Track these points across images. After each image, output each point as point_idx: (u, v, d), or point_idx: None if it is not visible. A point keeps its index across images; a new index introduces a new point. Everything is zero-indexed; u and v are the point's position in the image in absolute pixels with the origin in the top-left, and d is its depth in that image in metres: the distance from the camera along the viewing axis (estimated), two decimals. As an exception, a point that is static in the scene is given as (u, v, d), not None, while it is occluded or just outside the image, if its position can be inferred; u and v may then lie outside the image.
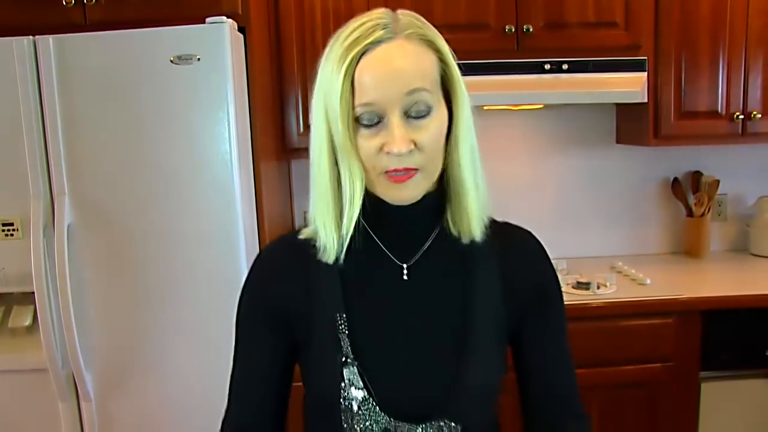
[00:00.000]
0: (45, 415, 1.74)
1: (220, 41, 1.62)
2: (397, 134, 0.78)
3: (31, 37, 1.62)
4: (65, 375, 1.71)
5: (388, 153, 0.79)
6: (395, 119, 0.78)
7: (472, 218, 0.87)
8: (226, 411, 0.96)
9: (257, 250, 1.83)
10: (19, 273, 1.69)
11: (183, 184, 1.66)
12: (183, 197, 1.66)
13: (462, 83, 0.84)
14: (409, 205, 0.84)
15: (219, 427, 0.97)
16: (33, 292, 1.66)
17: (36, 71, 1.63)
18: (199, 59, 1.61)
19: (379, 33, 0.78)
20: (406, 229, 0.89)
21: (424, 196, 0.84)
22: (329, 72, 0.80)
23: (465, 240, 0.88)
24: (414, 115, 0.79)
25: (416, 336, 0.87)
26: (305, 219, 2.59)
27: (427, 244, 0.89)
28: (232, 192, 1.66)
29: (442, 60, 0.82)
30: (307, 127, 2.06)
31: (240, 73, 1.73)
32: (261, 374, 0.93)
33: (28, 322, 1.72)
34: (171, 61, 1.62)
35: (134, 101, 1.63)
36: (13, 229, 1.69)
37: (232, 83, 1.64)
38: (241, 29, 1.76)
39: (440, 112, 0.82)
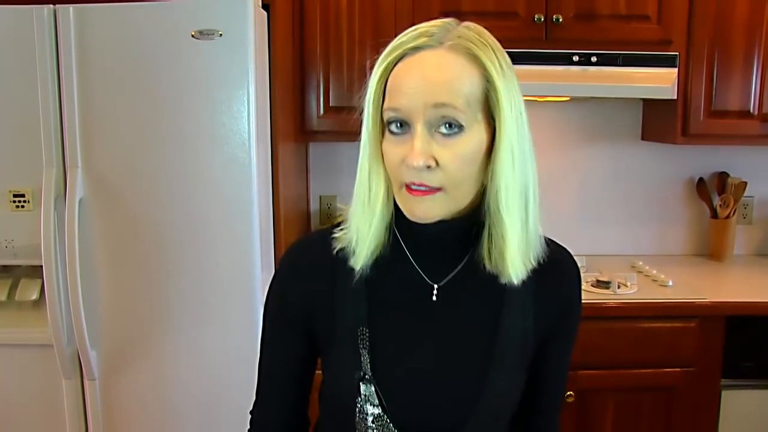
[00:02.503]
0: (48, 392, 1.71)
1: (243, 17, 1.57)
2: (416, 146, 0.73)
3: (51, 6, 1.59)
4: (70, 352, 1.67)
5: (407, 165, 0.75)
6: (418, 130, 0.74)
7: (511, 259, 0.79)
8: (254, 404, 0.97)
9: (271, 232, 1.79)
10: (28, 246, 1.66)
11: (199, 162, 1.61)
12: (199, 175, 1.62)
13: (511, 106, 0.76)
14: (434, 225, 0.78)
15: (225, 413, 0.97)
16: (41, 266, 1.62)
17: (55, 41, 1.59)
18: (221, 35, 1.57)
19: (422, 40, 0.75)
20: (436, 249, 0.85)
21: (453, 219, 0.79)
22: (372, 73, 0.78)
23: (502, 280, 0.81)
24: (443, 131, 0.74)
25: (438, 358, 0.85)
26: (320, 202, 2.54)
27: (459, 266, 0.85)
28: (249, 171, 1.62)
29: (487, 79, 0.75)
30: (327, 109, 2.02)
31: (262, 51, 1.69)
32: (284, 373, 0.94)
33: (35, 296, 1.69)
34: (192, 36, 1.58)
35: (153, 75, 1.59)
36: (24, 201, 1.65)
37: (253, 61, 1.60)
38: (264, 6, 1.72)
39: (474, 134, 0.75)
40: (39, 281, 1.69)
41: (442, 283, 0.85)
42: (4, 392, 1.73)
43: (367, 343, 0.84)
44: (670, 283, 2.00)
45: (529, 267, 0.82)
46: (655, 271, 2.11)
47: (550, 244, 0.88)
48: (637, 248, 2.43)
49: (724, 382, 1.92)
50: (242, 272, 1.65)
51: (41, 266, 1.63)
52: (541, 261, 0.84)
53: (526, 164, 0.79)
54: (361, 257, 0.83)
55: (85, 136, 1.61)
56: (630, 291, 1.94)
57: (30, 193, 1.65)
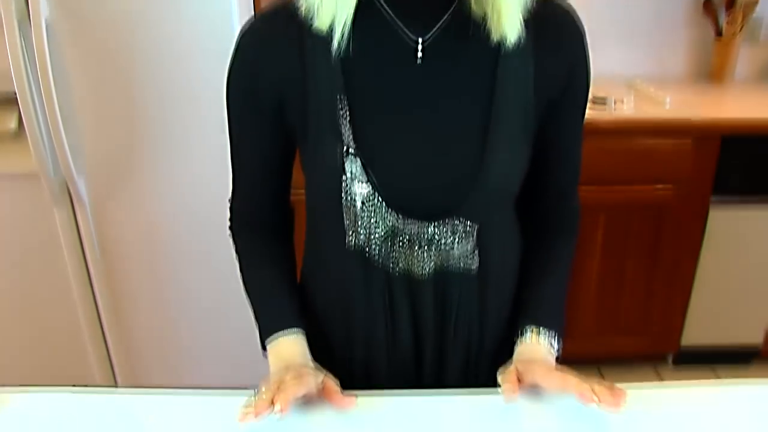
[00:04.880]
0: (41, 221, 1.72)
1: None
2: None
3: None
4: (57, 180, 1.65)
5: None
6: None
7: (506, 9, 0.71)
8: (232, 194, 0.92)
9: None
10: (-3, 71, 1.58)
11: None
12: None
13: None
14: None
15: (219, 226, 0.93)
16: (15, 96, 1.55)
17: None
18: None
19: None
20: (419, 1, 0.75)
21: None
22: None
23: (495, 37, 0.73)
24: None
25: (431, 125, 0.77)
26: None
27: (444, 18, 0.75)
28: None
29: None
30: None
31: None
32: (257, 162, 0.87)
33: (13, 125, 1.64)
34: None
35: None
36: (-15, 25, 1.55)
37: None
38: None
39: None
40: (15, 111, 1.63)
41: (426, 40, 0.76)
42: (-2, 223, 1.74)
43: (347, 113, 0.76)
44: (668, 102, 1.95)
45: (525, 16, 0.74)
46: (652, 90, 2.05)
47: (549, 1, 0.79)
48: (636, 69, 2.33)
49: (713, 199, 1.94)
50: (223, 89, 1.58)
51: (15, 96, 1.55)
52: (539, 18, 0.76)
53: None
54: (327, 15, 0.73)
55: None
56: (626, 108, 1.89)
57: (-11, 14, 1.54)
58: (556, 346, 0.87)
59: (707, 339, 2.13)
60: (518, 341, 0.87)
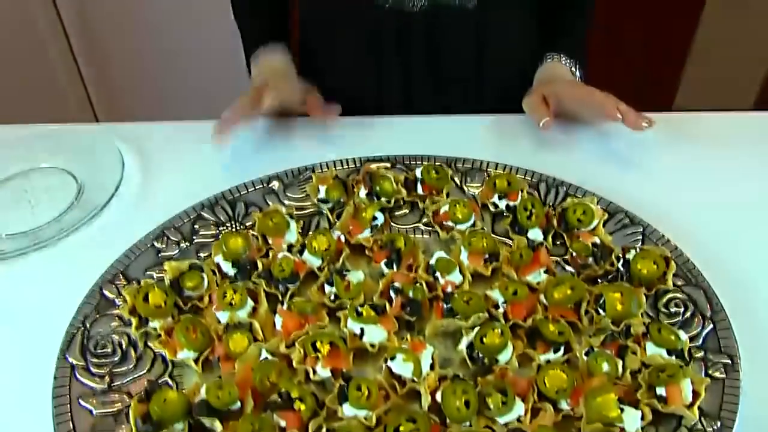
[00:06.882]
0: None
1: None
2: None
3: None
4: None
5: None
6: None
7: None
8: None
9: None
10: None
11: None
12: None
13: None
14: None
15: None
16: None
17: None
18: None
19: None
20: None
21: None
22: None
23: None
24: None
25: None
26: None
27: None
28: None
29: None
30: None
31: None
32: None
33: None
34: None
35: None
36: None
37: None
38: None
39: None
40: None
41: None
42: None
43: None
44: None
45: None
46: None
47: None
48: None
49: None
50: None
51: None
52: None
53: None
54: None
55: None
56: None
57: None
58: (578, 74, 0.86)
59: (698, 104, 2.13)
60: (539, 69, 0.86)
